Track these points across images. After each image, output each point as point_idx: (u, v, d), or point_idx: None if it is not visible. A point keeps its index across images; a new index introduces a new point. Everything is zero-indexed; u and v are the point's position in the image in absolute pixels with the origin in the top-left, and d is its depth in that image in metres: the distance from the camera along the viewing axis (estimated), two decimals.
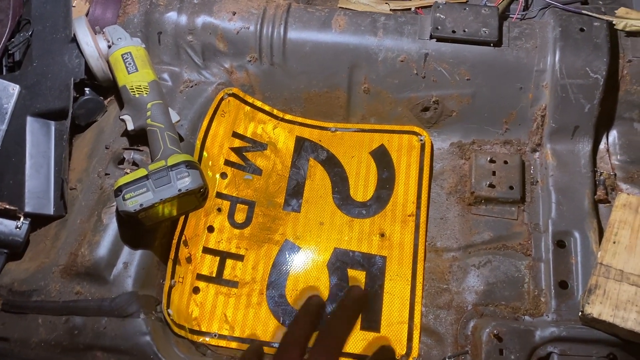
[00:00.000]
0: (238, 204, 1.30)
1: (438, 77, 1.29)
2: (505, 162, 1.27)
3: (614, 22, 1.27)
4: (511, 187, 1.24)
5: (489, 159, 1.27)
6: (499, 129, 1.32)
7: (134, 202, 1.04)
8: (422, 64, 1.29)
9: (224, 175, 1.31)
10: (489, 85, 1.29)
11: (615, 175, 1.25)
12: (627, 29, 1.27)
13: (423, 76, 1.30)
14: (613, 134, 1.28)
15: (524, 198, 1.25)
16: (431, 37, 1.28)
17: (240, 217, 1.29)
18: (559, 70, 1.23)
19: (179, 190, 1.05)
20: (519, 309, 1.15)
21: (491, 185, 1.24)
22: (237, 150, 1.35)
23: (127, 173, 1.15)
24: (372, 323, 1.18)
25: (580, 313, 1.07)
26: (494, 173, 1.26)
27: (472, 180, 1.26)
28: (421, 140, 1.35)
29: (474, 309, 1.16)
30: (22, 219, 1.11)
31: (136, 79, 1.18)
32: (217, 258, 1.24)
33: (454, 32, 1.27)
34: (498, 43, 1.27)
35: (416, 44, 1.29)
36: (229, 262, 1.24)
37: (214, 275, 1.22)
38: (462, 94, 1.30)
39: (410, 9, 1.53)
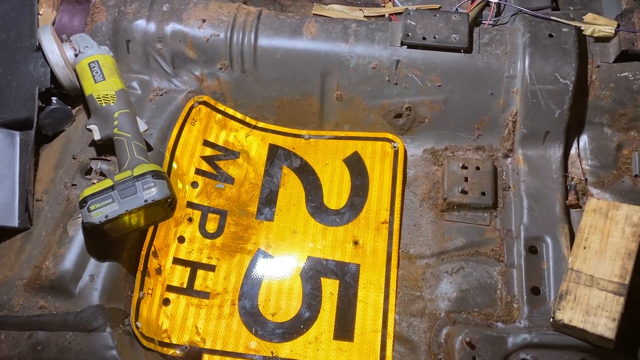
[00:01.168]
0: (209, 214, 1.28)
1: (410, 83, 1.29)
2: (478, 168, 1.27)
3: (582, 28, 1.28)
4: (483, 193, 1.24)
5: (461, 165, 1.27)
6: (471, 135, 1.32)
7: (99, 213, 1.02)
8: (394, 70, 1.28)
9: (194, 184, 1.29)
10: (460, 92, 1.29)
11: (586, 180, 1.26)
12: (595, 35, 1.28)
13: (395, 83, 1.29)
14: (584, 139, 1.29)
15: (497, 204, 1.25)
16: (402, 44, 1.28)
17: (211, 226, 1.27)
18: (528, 76, 1.24)
19: (145, 200, 1.04)
20: (491, 316, 1.14)
21: (463, 192, 1.24)
22: (208, 159, 1.33)
23: (95, 184, 1.13)
24: (346, 332, 1.17)
25: (551, 319, 1.07)
26: (466, 179, 1.26)
27: (445, 187, 1.26)
28: (394, 147, 1.34)
29: (447, 316, 1.15)
30: None
31: (103, 87, 1.16)
32: (188, 269, 1.22)
33: (424, 38, 1.27)
34: (468, 49, 1.27)
35: (387, 51, 1.29)
36: (200, 273, 1.22)
37: (184, 286, 1.20)
38: (434, 101, 1.30)
39: (384, 15, 1.53)
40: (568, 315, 1.04)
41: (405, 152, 1.35)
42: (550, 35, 1.26)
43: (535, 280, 1.15)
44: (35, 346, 1.01)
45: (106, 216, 1.02)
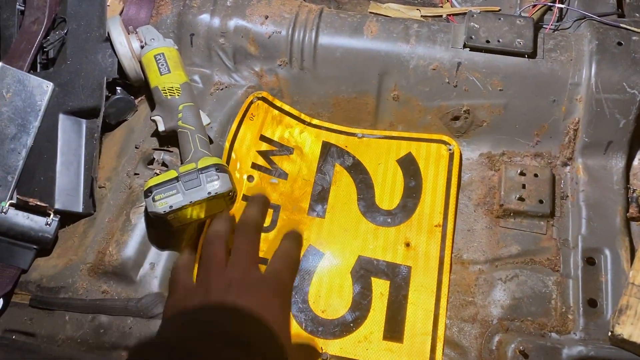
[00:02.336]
0: None
1: (470, 86, 1.28)
2: (536, 175, 1.25)
3: None
4: (541, 201, 1.22)
5: (519, 171, 1.25)
6: (529, 141, 1.30)
7: (163, 203, 1.04)
8: (455, 72, 1.27)
9: (250, 178, 1.31)
10: (522, 97, 1.27)
11: None
12: None
13: (455, 85, 1.28)
14: None
15: (554, 212, 1.23)
16: (464, 46, 1.27)
17: (265, 221, 1.29)
18: (594, 84, 1.21)
19: (209, 193, 1.05)
20: (545, 326, 1.13)
21: (521, 199, 1.22)
22: (264, 154, 1.34)
23: (157, 174, 1.15)
24: (395, 333, 1.18)
25: (610, 333, 1.05)
26: (523, 186, 1.24)
27: (502, 193, 1.24)
28: (450, 149, 1.34)
29: (500, 323, 1.14)
30: (52, 215, 1.12)
31: (168, 80, 1.19)
32: None
33: (488, 42, 1.25)
34: (532, 54, 1.25)
35: (449, 53, 1.28)
36: None
37: None
38: (493, 105, 1.29)
39: (441, 15, 1.52)
40: (628, 330, 1.02)
41: (461, 155, 1.34)
42: (619, 44, 1.23)
43: (592, 292, 1.13)
44: (98, 329, 1.05)
45: (170, 206, 1.04)
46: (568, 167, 1.28)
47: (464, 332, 1.16)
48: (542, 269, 1.19)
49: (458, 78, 1.28)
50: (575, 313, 1.12)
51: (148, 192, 1.06)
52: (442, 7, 1.60)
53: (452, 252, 1.24)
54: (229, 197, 1.10)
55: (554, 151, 1.30)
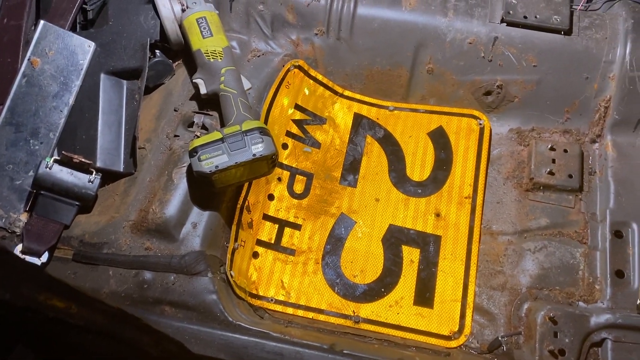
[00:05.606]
0: (297, 175, 1.32)
1: (505, 61, 1.30)
2: (565, 151, 1.28)
3: None
4: (570, 176, 1.25)
5: (549, 146, 1.28)
6: (559, 117, 1.33)
7: (209, 163, 1.06)
8: (491, 47, 1.29)
9: (284, 145, 1.33)
10: (555, 73, 1.29)
11: None
12: None
13: (490, 59, 1.30)
14: None
15: (582, 187, 1.26)
16: (502, 21, 1.28)
17: (299, 187, 1.31)
18: (628, 62, 1.24)
19: (254, 155, 1.07)
20: (573, 295, 1.16)
21: (551, 173, 1.25)
22: (298, 123, 1.36)
23: (197, 136, 1.17)
24: (426, 299, 1.21)
25: (638, 301, 1.08)
26: (553, 161, 1.27)
27: (532, 167, 1.27)
28: (480, 124, 1.36)
29: (528, 292, 1.18)
30: (94, 173, 1.13)
31: (211, 43, 1.20)
32: (276, 226, 1.26)
33: (525, 17, 1.27)
34: (568, 32, 1.27)
35: (486, 27, 1.29)
36: (287, 231, 1.27)
37: (272, 241, 1.25)
38: (526, 80, 1.31)
39: None
40: None
41: (491, 130, 1.36)
42: None
43: (619, 264, 1.16)
44: (141, 284, 1.07)
45: (216, 166, 1.06)
46: (597, 144, 1.30)
47: (493, 300, 1.20)
48: (570, 241, 1.22)
49: (494, 53, 1.30)
50: (602, 283, 1.16)
51: (194, 152, 1.07)
52: None
53: (481, 223, 1.27)
54: (271, 160, 1.12)
55: (583, 128, 1.32)
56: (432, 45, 1.32)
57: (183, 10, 1.25)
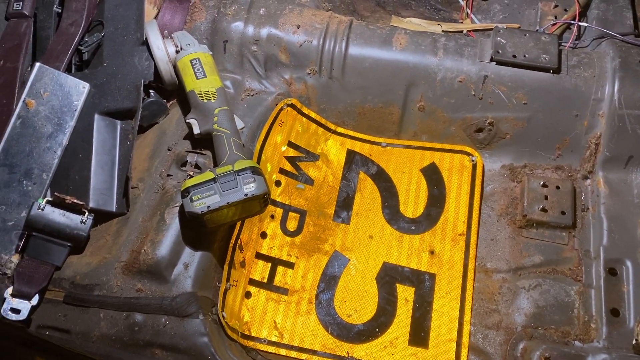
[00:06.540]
0: (290, 212, 1.32)
1: (495, 99, 1.32)
2: (558, 187, 1.28)
3: None
4: (563, 212, 1.26)
5: (541, 183, 1.29)
6: (551, 154, 1.34)
7: (201, 204, 1.06)
8: (481, 85, 1.31)
9: (277, 183, 1.33)
10: (545, 111, 1.31)
11: None
12: None
13: (480, 97, 1.32)
14: None
15: (575, 224, 1.26)
16: (491, 60, 1.31)
17: (292, 225, 1.31)
18: (617, 100, 1.25)
19: (246, 194, 1.08)
20: (568, 334, 1.15)
21: (544, 210, 1.26)
22: (291, 160, 1.37)
23: (190, 175, 1.17)
24: (421, 339, 1.19)
25: (634, 341, 1.07)
26: (546, 197, 1.27)
27: (525, 204, 1.27)
28: (473, 160, 1.37)
29: (524, 330, 1.17)
30: (86, 214, 1.13)
31: (204, 84, 1.21)
32: (269, 264, 1.26)
33: (514, 56, 1.29)
34: (557, 70, 1.29)
35: (476, 66, 1.31)
36: (280, 269, 1.26)
37: (265, 280, 1.24)
38: (517, 118, 1.32)
39: (462, 31, 1.56)
40: None
41: (484, 166, 1.37)
42: None
43: (614, 302, 1.16)
44: (132, 326, 1.06)
45: (208, 207, 1.06)
46: (589, 180, 1.31)
47: (488, 339, 1.18)
48: (565, 279, 1.21)
49: (484, 91, 1.32)
50: (597, 322, 1.15)
51: (185, 193, 1.08)
52: (462, 22, 1.64)
53: (475, 261, 1.27)
54: (263, 199, 1.12)
55: (575, 164, 1.33)
56: (423, 84, 1.34)
57: (177, 52, 1.27)
